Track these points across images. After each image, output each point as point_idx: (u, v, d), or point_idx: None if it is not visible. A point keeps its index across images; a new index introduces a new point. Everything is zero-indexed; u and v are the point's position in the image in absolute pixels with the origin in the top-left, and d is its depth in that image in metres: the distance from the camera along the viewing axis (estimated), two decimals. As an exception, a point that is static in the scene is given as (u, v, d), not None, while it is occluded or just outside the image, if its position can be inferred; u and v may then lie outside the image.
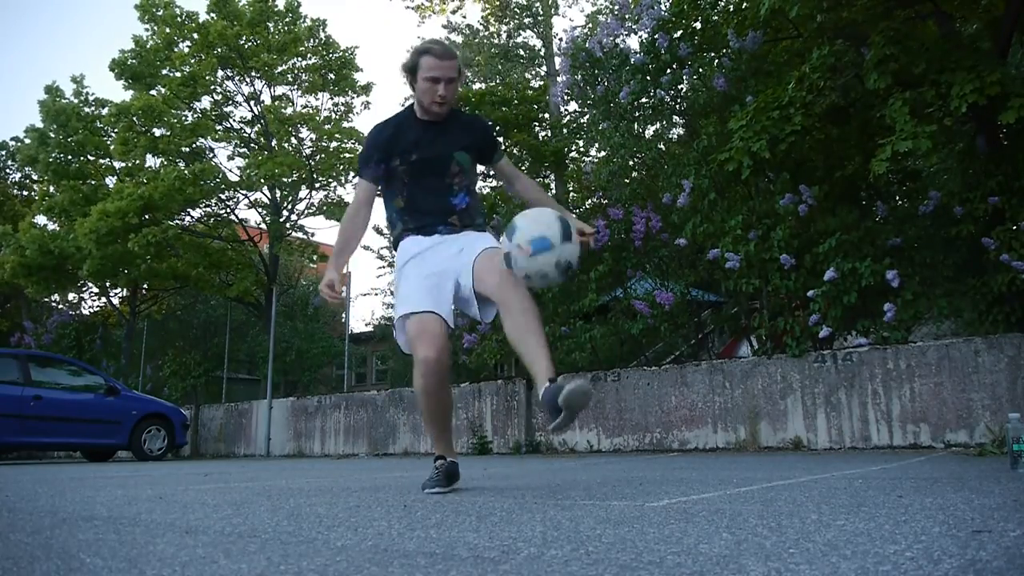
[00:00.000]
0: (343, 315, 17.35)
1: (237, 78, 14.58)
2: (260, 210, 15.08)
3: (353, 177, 14.90)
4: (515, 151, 14.97)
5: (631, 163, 8.70)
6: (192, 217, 14.46)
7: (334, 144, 14.77)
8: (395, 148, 2.81)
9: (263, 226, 15.15)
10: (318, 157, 14.58)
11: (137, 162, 14.06)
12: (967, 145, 6.45)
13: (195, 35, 13.89)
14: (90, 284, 15.18)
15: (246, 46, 14.11)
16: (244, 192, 14.40)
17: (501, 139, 3.05)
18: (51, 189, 14.15)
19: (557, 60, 16.23)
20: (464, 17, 22.00)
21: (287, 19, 14.41)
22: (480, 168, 3.05)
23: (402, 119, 2.86)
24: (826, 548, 1.30)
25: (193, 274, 13.65)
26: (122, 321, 15.18)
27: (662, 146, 8.62)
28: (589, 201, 13.28)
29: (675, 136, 8.98)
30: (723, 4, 7.34)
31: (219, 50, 13.78)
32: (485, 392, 8.28)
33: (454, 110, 2.91)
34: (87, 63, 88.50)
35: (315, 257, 16.34)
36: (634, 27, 8.01)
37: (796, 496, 2.24)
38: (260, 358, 13.74)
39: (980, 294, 5.84)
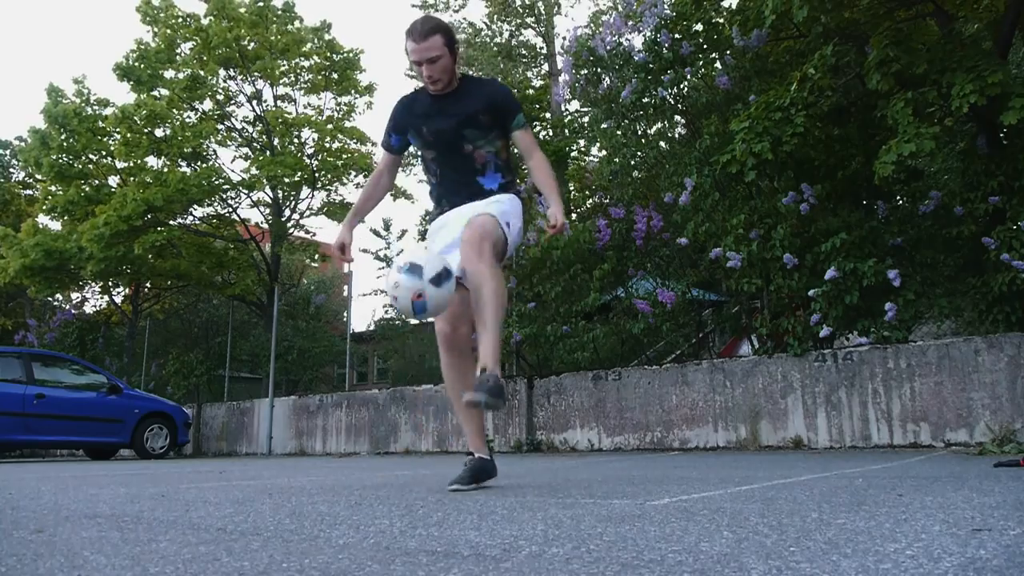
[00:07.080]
0: (344, 314, 17.35)
1: (240, 78, 14.58)
2: (262, 209, 15.11)
3: (355, 177, 14.94)
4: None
5: (632, 162, 8.70)
6: (194, 216, 14.47)
7: (336, 144, 14.77)
8: (407, 122, 2.88)
9: (265, 226, 15.15)
10: (320, 156, 14.59)
11: (139, 162, 14.06)
12: (968, 145, 6.46)
13: (196, 37, 13.88)
14: (93, 283, 15.20)
15: (248, 47, 14.11)
16: (246, 192, 14.41)
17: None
18: (53, 188, 14.14)
19: (559, 59, 16.23)
20: (464, 19, 21.95)
21: (285, 18, 14.38)
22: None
23: (416, 94, 2.92)
24: (827, 546, 1.31)
25: (195, 273, 13.64)
26: (125, 320, 15.20)
27: (664, 144, 8.60)
28: (590, 200, 13.28)
29: (677, 135, 8.97)
30: (726, 3, 7.33)
31: (221, 51, 13.77)
32: (486, 391, 8.26)
33: (466, 77, 2.86)
34: (89, 63, 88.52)
35: (316, 256, 16.33)
36: (637, 25, 8.00)
37: (797, 495, 2.25)
38: (262, 357, 13.75)
39: (980, 294, 5.84)
